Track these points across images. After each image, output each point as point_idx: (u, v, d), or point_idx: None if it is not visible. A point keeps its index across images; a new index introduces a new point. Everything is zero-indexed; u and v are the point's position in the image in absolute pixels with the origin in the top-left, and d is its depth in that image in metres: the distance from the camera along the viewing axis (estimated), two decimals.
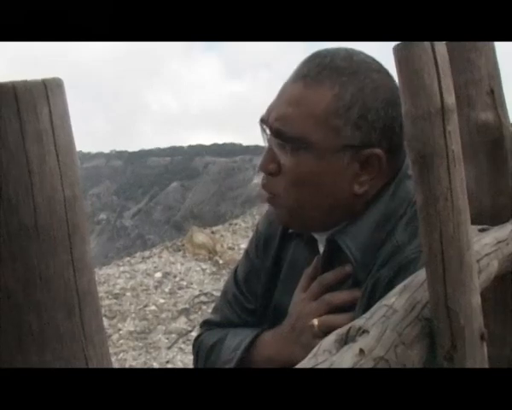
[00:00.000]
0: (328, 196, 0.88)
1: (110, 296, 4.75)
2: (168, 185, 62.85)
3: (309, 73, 0.88)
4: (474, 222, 0.93)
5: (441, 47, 0.62)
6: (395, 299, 0.64)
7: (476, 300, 0.63)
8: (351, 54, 0.90)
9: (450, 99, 0.59)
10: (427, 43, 0.60)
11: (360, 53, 0.92)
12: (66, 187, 0.26)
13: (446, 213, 0.59)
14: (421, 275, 0.67)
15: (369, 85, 0.87)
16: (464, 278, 0.61)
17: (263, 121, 0.92)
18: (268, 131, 0.91)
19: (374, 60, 0.92)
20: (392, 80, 0.91)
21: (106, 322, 4.38)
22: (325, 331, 0.80)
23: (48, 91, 0.26)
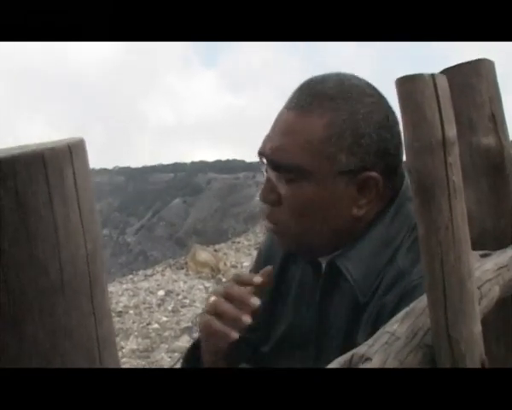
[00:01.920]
0: (330, 222, 0.90)
1: (113, 314, 4.75)
2: (171, 201, 62.87)
3: (301, 102, 0.89)
4: (475, 245, 0.94)
5: (442, 79, 0.63)
6: (397, 326, 0.65)
7: (477, 328, 0.64)
8: (342, 79, 0.91)
9: (452, 131, 0.61)
10: (428, 76, 0.62)
11: (352, 77, 0.93)
12: (88, 242, 0.28)
13: (447, 243, 0.60)
14: (423, 301, 0.68)
15: (361, 110, 0.88)
16: (465, 306, 0.62)
17: (260, 154, 0.93)
18: (265, 163, 0.93)
19: (366, 83, 0.93)
20: (385, 102, 0.93)
21: None
22: (213, 313, 0.86)
23: (72, 154, 0.28)
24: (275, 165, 0.90)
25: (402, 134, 0.90)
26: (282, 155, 0.89)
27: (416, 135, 0.58)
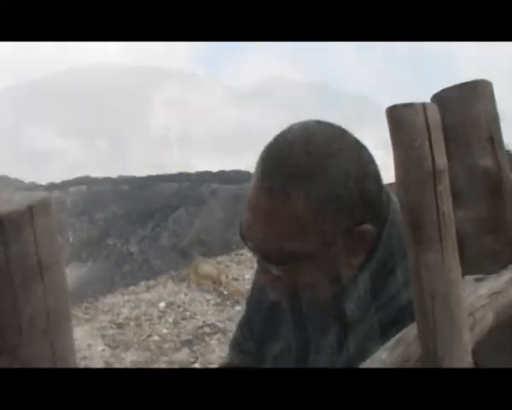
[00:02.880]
0: (329, 277, 0.89)
1: (114, 326, 4.74)
2: (175, 211, 62.94)
3: (274, 184, 0.84)
4: (472, 267, 0.94)
5: (433, 108, 0.64)
6: (387, 354, 0.65)
7: (468, 357, 0.64)
8: (307, 141, 0.85)
9: (442, 161, 0.61)
10: (418, 106, 0.62)
11: (316, 132, 0.87)
12: (49, 301, 0.28)
13: (438, 273, 0.60)
14: (413, 329, 0.68)
15: (336, 174, 0.83)
16: (455, 335, 0.62)
17: (243, 239, 0.90)
18: (250, 249, 0.90)
19: (332, 133, 0.88)
20: (358, 146, 0.88)
21: (109, 352, 4.36)
22: None
23: (33, 215, 0.28)
24: (264, 257, 0.87)
25: (377, 164, 0.89)
26: (269, 246, 0.85)
27: (406, 168, 0.58)
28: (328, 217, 0.83)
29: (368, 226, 0.86)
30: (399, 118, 0.60)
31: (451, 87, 1.07)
